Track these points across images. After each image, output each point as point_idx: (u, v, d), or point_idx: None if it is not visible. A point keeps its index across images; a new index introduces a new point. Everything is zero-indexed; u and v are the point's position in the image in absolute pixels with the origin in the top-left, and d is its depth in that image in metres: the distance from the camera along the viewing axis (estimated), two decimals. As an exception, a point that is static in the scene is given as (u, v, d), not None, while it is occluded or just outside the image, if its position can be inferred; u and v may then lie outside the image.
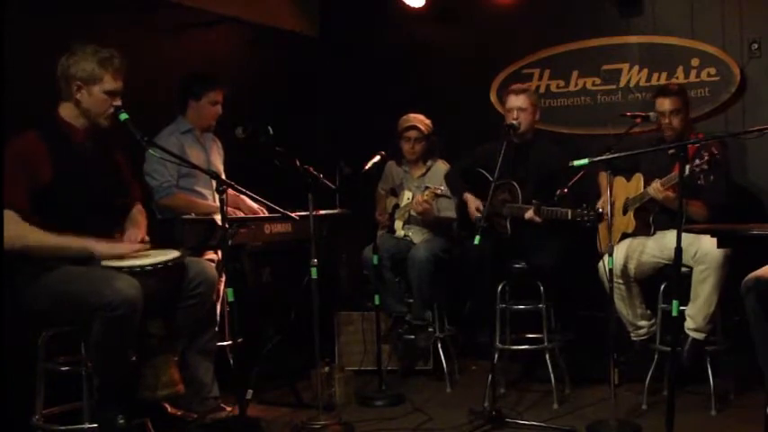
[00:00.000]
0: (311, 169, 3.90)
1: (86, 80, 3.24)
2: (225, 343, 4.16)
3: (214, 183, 3.89)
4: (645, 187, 4.14)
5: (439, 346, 4.70)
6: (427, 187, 4.64)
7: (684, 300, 3.92)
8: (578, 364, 4.47)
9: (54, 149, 3.20)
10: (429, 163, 4.93)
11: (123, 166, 3.55)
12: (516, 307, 4.41)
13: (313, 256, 3.86)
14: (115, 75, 3.28)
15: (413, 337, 4.66)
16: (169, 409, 3.51)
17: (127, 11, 4.31)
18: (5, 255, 3.04)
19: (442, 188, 4.63)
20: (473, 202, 4.49)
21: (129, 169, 3.65)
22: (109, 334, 3.05)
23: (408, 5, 5.37)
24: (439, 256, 4.62)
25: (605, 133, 4.92)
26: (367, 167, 4.53)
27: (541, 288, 4.27)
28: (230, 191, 3.50)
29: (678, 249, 3.18)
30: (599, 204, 4.01)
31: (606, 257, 3.81)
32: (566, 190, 4.03)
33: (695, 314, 3.96)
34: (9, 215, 3.05)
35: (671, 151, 4.09)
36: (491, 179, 3.98)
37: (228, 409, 3.72)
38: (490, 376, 3.89)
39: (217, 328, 3.94)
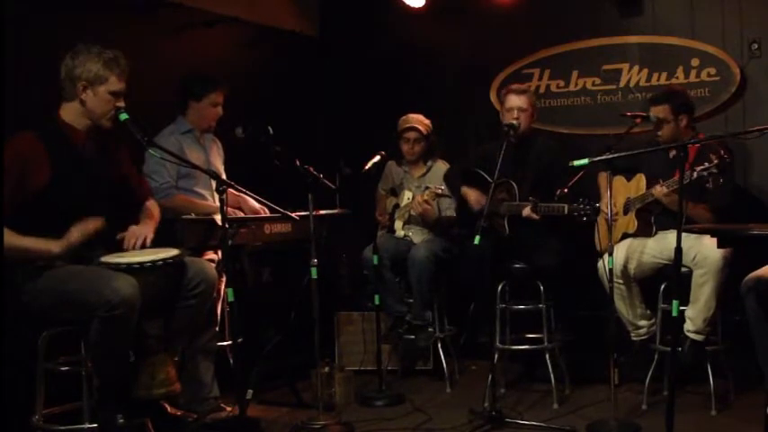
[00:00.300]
0: (311, 169, 3.91)
1: (92, 81, 3.25)
2: (225, 343, 4.16)
3: (214, 183, 3.89)
4: (647, 188, 4.13)
5: (439, 346, 4.70)
6: (427, 187, 4.64)
7: (684, 300, 3.92)
8: (578, 364, 4.47)
9: (52, 151, 3.20)
10: (429, 163, 4.93)
11: (127, 166, 3.55)
12: (516, 307, 4.41)
13: (313, 256, 3.86)
14: (120, 76, 3.29)
15: (413, 337, 4.66)
16: (169, 409, 3.51)
17: (127, 11, 4.31)
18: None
19: (443, 188, 4.63)
20: (473, 194, 4.49)
21: (135, 168, 3.65)
22: (108, 333, 3.05)
23: (408, 5, 5.37)
24: (439, 256, 4.62)
25: (605, 133, 4.91)
26: (367, 167, 4.53)
27: (541, 288, 4.27)
28: (232, 191, 3.50)
29: (678, 249, 3.18)
30: (600, 205, 4.01)
31: (606, 257, 3.81)
32: (566, 190, 4.04)
33: (695, 317, 3.96)
34: None
35: (672, 153, 4.09)
36: (489, 179, 3.98)
37: (228, 409, 3.72)
38: (490, 376, 3.89)
39: (217, 328, 3.95)
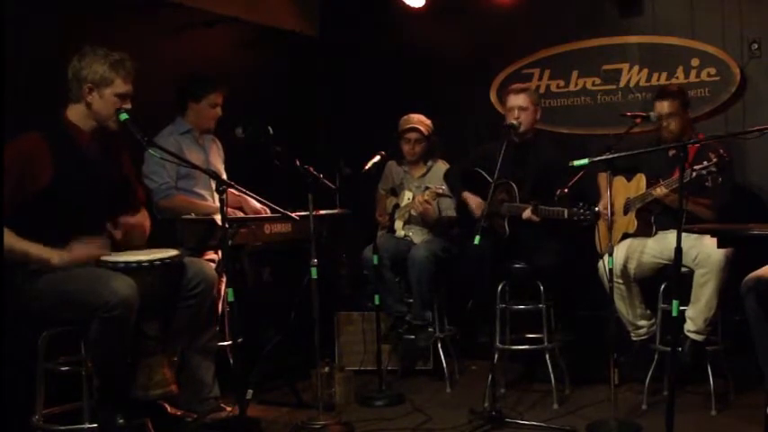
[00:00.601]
0: (311, 169, 3.91)
1: (98, 83, 3.25)
2: (225, 343, 4.16)
3: (213, 184, 3.89)
4: (647, 188, 4.14)
5: (439, 346, 4.70)
6: (428, 187, 4.64)
7: (684, 300, 3.92)
8: (578, 364, 4.47)
9: (56, 151, 3.20)
10: (429, 163, 4.93)
11: (129, 168, 3.55)
12: (516, 307, 4.40)
13: (313, 256, 3.86)
14: (126, 78, 3.29)
15: (413, 337, 4.66)
16: (169, 409, 3.51)
17: (127, 11, 4.31)
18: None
19: (443, 188, 4.63)
20: (473, 200, 4.49)
21: (135, 172, 3.66)
22: (107, 333, 3.05)
23: (408, 5, 5.37)
24: (439, 255, 4.62)
25: (605, 133, 4.91)
26: (367, 167, 4.53)
27: (541, 288, 4.27)
28: (232, 191, 3.50)
29: (678, 249, 3.18)
30: (600, 206, 4.01)
31: (606, 257, 3.81)
32: (566, 190, 4.04)
33: (695, 317, 3.95)
34: None
35: (671, 153, 4.09)
36: (490, 179, 3.98)
37: (228, 409, 3.72)
38: (490, 376, 3.89)
39: (217, 328, 3.95)
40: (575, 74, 5.19)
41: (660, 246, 4.10)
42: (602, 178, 4.20)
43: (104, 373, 3.15)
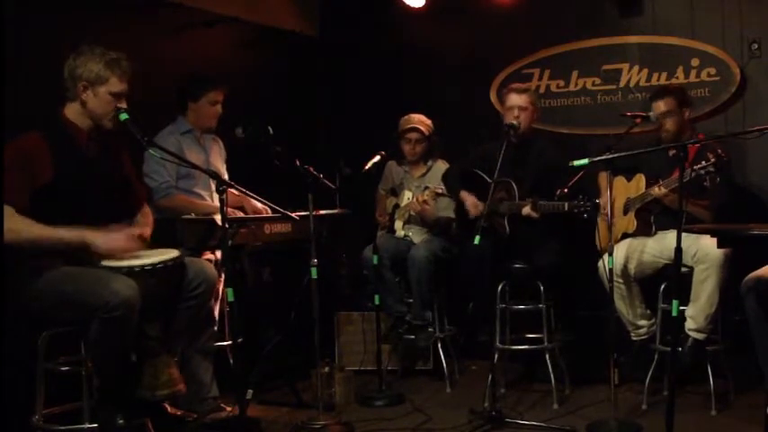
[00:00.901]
0: (311, 169, 3.91)
1: (93, 81, 3.25)
2: (225, 343, 4.16)
3: (213, 184, 3.89)
4: (647, 187, 4.14)
5: (439, 346, 4.70)
6: (427, 187, 4.64)
7: (684, 300, 3.92)
8: (578, 364, 4.47)
9: (56, 150, 3.20)
10: (429, 163, 4.93)
11: (129, 167, 3.55)
12: (516, 307, 4.41)
13: (313, 256, 3.86)
14: (121, 77, 3.29)
15: (413, 337, 4.66)
16: (169, 409, 3.51)
17: (127, 11, 4.31)
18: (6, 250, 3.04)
19: (443, 188, 4.63)
20: (469, 200, 4.49)
21: (135, 171, 3.66)
22: (107, 334, 3.05)
23: (408, 5, 5.37)
24: (439, 255, 4.63)
25: (605, 133, 4.91)
26: (367, 167, 4.54)
27: (541, 288, 4.27)
28: (232, 191, 3.50)
29: (678, 249, 3.18)
30: (599, 201, 4.01)
31: (606, 257, 3.81)
32: (566, 189, 4.04)
33: (696, 314, 3.95)
34: (5, 209, 3.05)
35: (671, 152, 4.09)
36: (489, 180, 3.98)
37: (228, 409, 3.72)
38: (490, 376, 3.89)
39: (216, 328, 3.95)
40: (575, 74, 5.19)
41: (660, 245, 4.10)
42: (603, 178, 4.21)
43: (104, 374, 3.15)
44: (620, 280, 4.12)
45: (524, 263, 4.31)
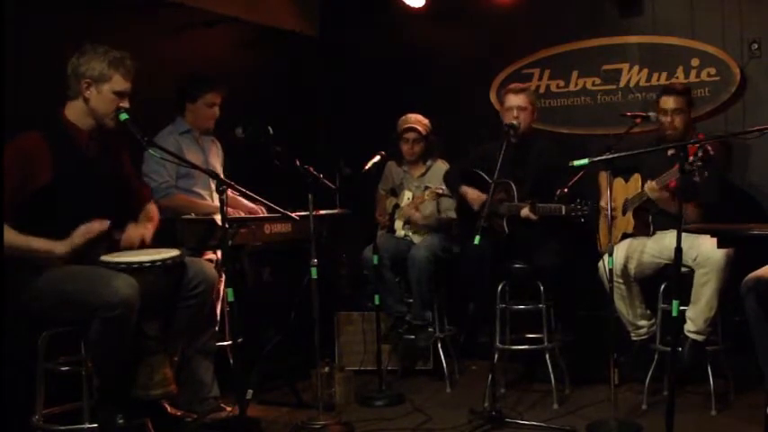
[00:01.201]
0: (311, 169, 3.91)
1: (96, 79, 3.25)
2: (225, 343, 4.16)
3: (213, 184, 3.89)
4: (643, 188, 4.14)
5: (439, 346, 4.70)
6: (427, 187, 4.64)
7: (685, 300, 3.92)
8: (578, 364, 4.47)
9: (56, 150, 3.20)
10: (429, 163, 4.93)
11: (129, 167, 3.55)
12: (516, 307, 4.41)
13: (313, 256, 3.86)
14: (125, 75, 3.29)
15: (413, 337, 4.66)
16: (169, 409, 3.51)
17: (127, 11, 4.31)
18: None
19: (443, 188, 4.63)
20: (471, 193, 4.49)
21: (135, 171, 3.65)
22: (107, 333, 3.05)
23: (408, 5, 5.37)
24: (439, 255, 4.63)
25: (605, 133, 4.91)
26: (367, 167, 4.54)
27: (541, 288, 4.27)
28: (230, 193, 3.50)
29: (678, 249, 3.18)
30: (600, 204, 4.01)
31: (606, 257, 3.81)
32: (566, 190, 4.04)
33: (696, 317, 3.95)
34: None
35: (670, 152, 4.09)
36: (489, 180, 3.98)
37: (228, 409, 3.72)
38: (490, 376, 3.89)
39: (217, 328, 3.95)
40: (575, 74, 5.18)
41: (659, 246, 4.10)
42: (603, 178, 4.21)
43: (104, 373, 3.15)
44: (620, 280, 4.12)
45: (524, 263, 4.31)
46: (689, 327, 3.97)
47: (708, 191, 3.94)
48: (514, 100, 4.40)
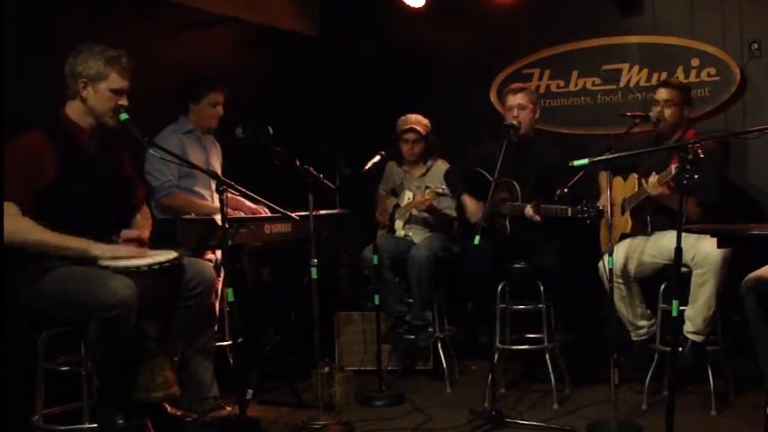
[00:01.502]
0: (311, 169, 3.91)
1: (93, 77, 3.25)
2: (225, 343, 4.16)
3: (213, 184, 3.89)
4: (640, 186, 4.13)
5: (439, 346, 4.70)
6: (428, 187, 4.64)
7: (684, 300, 3.92)
8: (578, 364, 4.47)
9: (59, 149, 3.20)
10: (429, 163, 4.93)
11: (129, 167, 3.55)
12: (516, 307, 4.40)
13: (313, 256, 3.86)
14: (122, 73, 3.29)
15: (413, 337, 4.66)
16: (169, 409, 3.51)
17: (127, 11, 4.31)
18: (6, 250, 3.04)
19: (443, 187, 4.63)
20: (471, 205, 4.49)
21: (135, 170, 3.66)
22: (105, 334, 3.05)
23: (408, 5, 5.37)
24: (439, 255, 4.63)
25: (605, 133, 4.91)
26: (367, 167, 4.54)
27: (541, 288, 4.27)
28: (231, 194, 3.49)
29: (678, 249, 3.18)
30: (600, 203, 4.01)
31: (606, 257, 3.81)
32: (566, 190, 4.04)
33: (694, 317, 3.95)
34: (9, 207, 3.06)
35: (671, 142, 4.08)
36: (491, 179, 3.98)
37: (228, 409, 3.72)
38: (490, 376, 3.89)
39: (216, 328, 3.95)
40: (575, 74, 5.18)
41: (658, 246, 4.10)
42: (603, 177, 4.21)
43: (104, 374, 3.15)
44: (620, 280, 4.12)
45: (524, 263, 4.31)
46: (688, 327, 3.97)
47: (708, 191, 3.93)
48: (515, 99, 4.40)
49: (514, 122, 4.28)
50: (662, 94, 4.20)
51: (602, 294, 4.08)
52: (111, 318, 3.01)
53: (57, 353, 3.31)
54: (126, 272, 3.14)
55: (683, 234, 3.20)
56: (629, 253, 4.15)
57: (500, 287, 4.35)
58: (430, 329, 4.65)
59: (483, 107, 5.36)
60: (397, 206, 4.92)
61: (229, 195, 3.55)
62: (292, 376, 4.43)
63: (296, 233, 4.06)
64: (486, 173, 4.39)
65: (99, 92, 3.27)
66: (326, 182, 4.01)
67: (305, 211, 3.85)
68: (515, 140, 4.28)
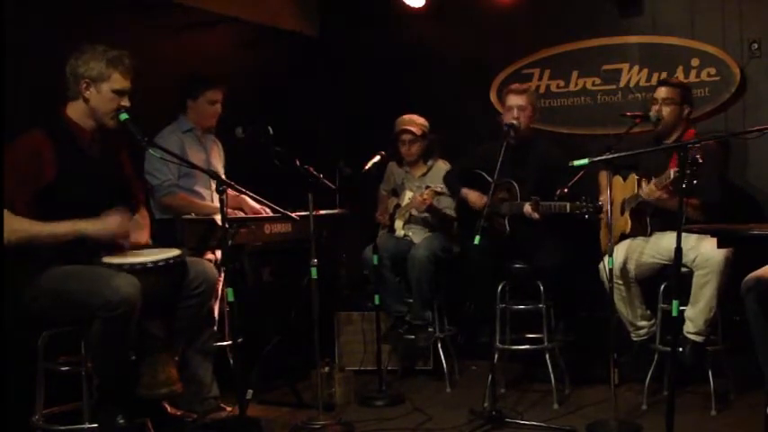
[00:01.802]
0: (311, 169, 3.91)
1: (95, 78, 3.25)
2: (225, 343, 4.16)
3: (213, 183, 3.89)
4: (638, 187, 4.13)
5: (439, 346, 4.70)
6: (428, 186, 4.64)
7: (684, 300, 3.92)
8: (578, 364, 4.47)
9: (59, 149, 3.20)
10: (429, 163, 4.93)
11: (129, 167, 3.55)
12: (516, 307, 4.40)
13: (313, 256, 3.86)
14: (124, 74, 3.29)
15: (413, 337, 4.66)
16: (169, 409, 3.51)
17: (127, 11, 4.31)
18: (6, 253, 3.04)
19: (442, 186, 4.63)
20: (472, 195, 4.49)
21: (134, 171, 3.66)
22: (108, 333, 3.05)
23: (408, 5, 5.37)
24: (439, 255, 4.62)
25: (605, 133, 4.91)
26: (367, 167, 4.53)
27: (541, 288, 4.27)
28: (231, 192, 3.50)
29: (678, 249, 3.18)
30: (601, 203, 4.01)
31: (606, 258, 3.81)
32: (566, 189, 4.03)
33: (695, 318, 3.95)
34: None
35: (670, 141, 4.08)
36: (490, 180, 3.98)
37: (228, 409, 3.72)
38: (490, 376, 3.89)
39: (216, 328, 3.95)
40: (575, 74, 5.19)
41: (658, 246, 4.10)
42: (603, 177, 4.20)
43: (105, 373, 3.15)
44: (620, 281, 4.12)
45: (524, 263, 4.31)
46: (688, 328, 3.97)
47: (709, 191, 3.93)
48: (514, 100, 4.40)
49: (514, 122, 4.28)
50: (661, 92, 4.20)
51: (602, 294, 4.08)
52: (116, 316, 3.01)
53: (57, 353, 3.31)
54: (129, 270, 3.14)
55: (684, 234, 3.20)
56: (628, 253, 4.15)
57: (500, 287, 4.35)
58: (430, 329, 4.65)
59: (483, 107, 5.36)
60: (397, 206, 4.92)
61: (231, 194, 3.56)
62: (292, 376, 4.43)
63: (296, 233, 4.06)
64: (485, 174, 4.39)
65: (101, 93, 3.27)
66: (326, 182, 4.01)
67: (305, 211, 3.85)
68: (514, 141, 4.27)
